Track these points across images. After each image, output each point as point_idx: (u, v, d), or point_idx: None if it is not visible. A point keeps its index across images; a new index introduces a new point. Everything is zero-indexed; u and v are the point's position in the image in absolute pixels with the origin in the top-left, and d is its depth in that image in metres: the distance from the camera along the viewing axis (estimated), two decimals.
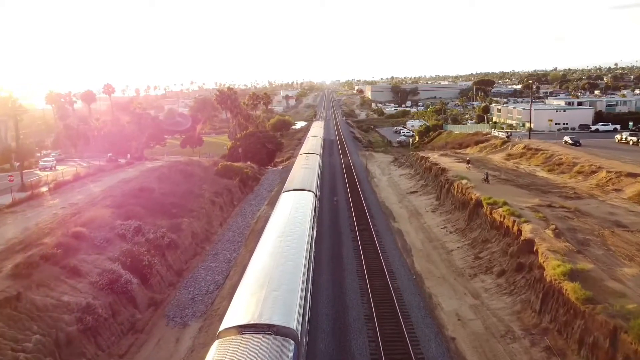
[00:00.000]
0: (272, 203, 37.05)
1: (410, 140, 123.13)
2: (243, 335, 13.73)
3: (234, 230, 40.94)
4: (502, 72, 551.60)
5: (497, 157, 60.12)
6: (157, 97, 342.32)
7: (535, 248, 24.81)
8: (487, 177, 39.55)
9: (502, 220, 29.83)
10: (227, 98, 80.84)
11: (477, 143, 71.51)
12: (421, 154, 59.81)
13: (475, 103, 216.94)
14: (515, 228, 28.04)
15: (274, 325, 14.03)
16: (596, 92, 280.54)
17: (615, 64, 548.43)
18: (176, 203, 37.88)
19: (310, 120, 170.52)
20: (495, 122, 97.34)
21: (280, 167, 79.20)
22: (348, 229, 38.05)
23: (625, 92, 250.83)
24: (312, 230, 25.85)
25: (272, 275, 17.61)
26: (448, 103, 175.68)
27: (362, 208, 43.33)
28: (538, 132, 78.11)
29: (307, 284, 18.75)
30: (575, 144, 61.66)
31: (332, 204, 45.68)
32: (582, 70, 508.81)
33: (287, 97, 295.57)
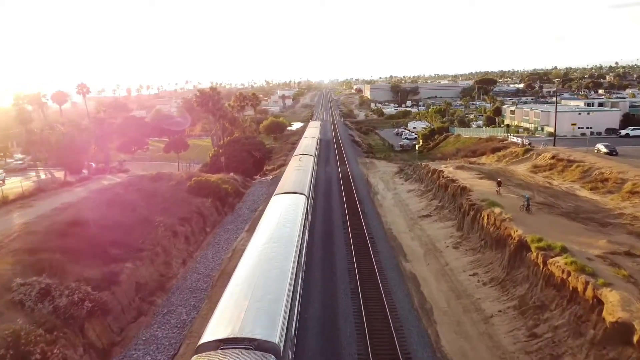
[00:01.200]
0: (255, 228, 28.62)
1: (414, 143, 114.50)
2: (222, 350, 13.20)
3: (201, 271, 31.99)
4: (502, 71, 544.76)
5: (521, 169, 51.23)
6: (149, 97, 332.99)
7: (636, 339, 15.95)
8: (527, 205, 30.46)
9: (564, 277, 20.93)
10: (209, 99, 71.74)
11: (493, 151, 62.60)
12: (432, 165, 50.83)
13: (478, 103, 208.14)
14: (590, 293, 19.15)
15: (255, 340, 13.48)
16: (600, 91, 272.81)
17: (616, 63, 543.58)
18: (120, 240, 28.88)
19: (307, 121, 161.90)
20: (508, 125, 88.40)
21: (269, 177, 70.29)
22: (346, 273, 29.04)
23: (631, 91, 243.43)
24: (303, 234, 24.88)
25: (256, 284, 16.98)
26: (451, 103, 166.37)
27: (364, 239, 34.41)
28: (560, 137, 69.28)
29: (294, 292, 17.96)
30: (611, 153, 52.83)
31: (326, 234, 36.71)
32: (583, 69, 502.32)
33: (283, 97, 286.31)
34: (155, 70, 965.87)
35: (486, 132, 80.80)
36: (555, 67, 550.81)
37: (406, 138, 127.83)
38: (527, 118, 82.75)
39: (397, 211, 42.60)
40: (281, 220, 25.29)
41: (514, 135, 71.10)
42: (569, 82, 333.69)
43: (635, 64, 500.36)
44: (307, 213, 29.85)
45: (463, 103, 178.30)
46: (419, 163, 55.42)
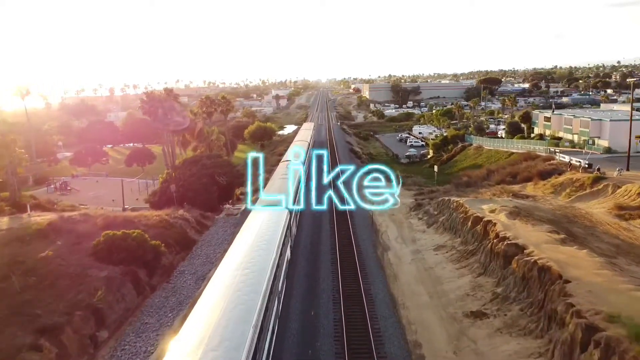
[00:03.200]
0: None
1: (423, 153, 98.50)
2: None
3: None
4: (502, 70, 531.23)
5: (599, 211, 34.90)
6: (136, 97, 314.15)
7: None
8: None
9: None
10: (159, 106, 54.91)
11: (542, 176, 46.32)
12: (469, 206, 34.15)
13: (483, 104, 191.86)
14: None
15: None
16: (608, 90, 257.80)
17: (618, 62, 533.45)
18: None
19: (301, 124, 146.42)
20: (541, 136, 72.09)
21: (242, 207, 53.94)
22: None
23: None
24: (280, 256, 21.66)
25: (215, 327, 14.14)
26: (462, 106, 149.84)
27: None
28: (620, 155, 53.11)
29: (261, 331, 15.33)
30: None
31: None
32: (588, 68, 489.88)
33: (277, 97, 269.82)
34: (146, 69, 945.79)
35: (518, 145, 64.25)
36: (556, 66, 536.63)
37: (412, 146, 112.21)
38: (570, 127, 66.36)
39: (425, 295, 26.07)
40: (256, 241, 21.94)
41: (559, 152, 54.66)
42: (575, 81, 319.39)
43: (639, 63, 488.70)
44: (289, 228, 27.60)
45: (472, 105, 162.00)
46: (446, 198, 38.90)
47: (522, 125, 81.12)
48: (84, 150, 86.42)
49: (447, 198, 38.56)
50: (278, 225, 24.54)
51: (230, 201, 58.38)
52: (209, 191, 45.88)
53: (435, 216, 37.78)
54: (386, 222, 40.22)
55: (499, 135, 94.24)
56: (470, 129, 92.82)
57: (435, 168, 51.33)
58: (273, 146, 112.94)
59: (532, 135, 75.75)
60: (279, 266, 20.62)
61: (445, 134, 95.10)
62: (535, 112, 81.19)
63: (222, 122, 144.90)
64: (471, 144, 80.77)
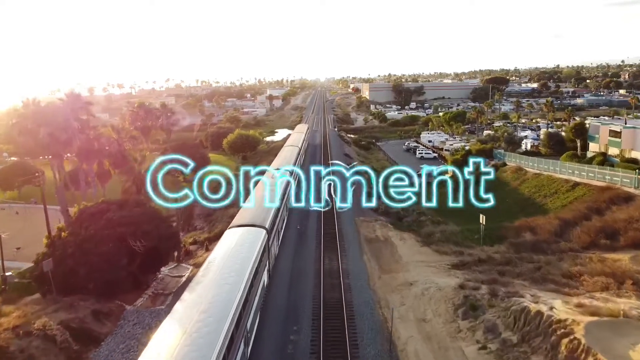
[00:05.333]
0: None
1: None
2: None
3: None
4: (503, 69, 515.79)
5: None
6: (122, 97, 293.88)
7: None
8: None
9: None
10: (42, 122, 35.69)
11: None
12: (604, 358, 16.22)
13: (498, 105, 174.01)
14: None
15: None
16: (621, 91, 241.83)
17: (622, 61, 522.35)
18: None
19: (294, 128, 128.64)
20: (604, 155, 53.84)
21: (187, 273, 35.52)
22: None
23: None
24: (251, 287, 18.97)
25: None
26: (483, 111, 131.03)
27: None
28: None
29: None
30: None
31: None
32: (593, 67, 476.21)
33: (270, 97, 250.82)
34: (137, 68, 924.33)
35: (583, 172, 45.48)
36: (558, 65, 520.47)
37: (422, 157, 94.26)
38: None
39: None
40: (223, 270, 19.03)
41: None
42: (583, 81, 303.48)
43: None
44: (267, 250, 25.14)
45: (486, 107, 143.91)
46: (532, 309, 20.57)
47: (577, 139, 61.50)
48: (8, 167, 67.93)
49: (533, 309, 20.25)
50: (252, 249, 21.96)
51: (177, 256, 39.67)
52: (116, 264, 27.58)
53: (513, 347, 19.43)
54: (415, 341, 21.85)
55: (523, 147, 76.56)
56: (499, 142, 74.42)
57: (482, 219, 33.08)
58: (257, 158, 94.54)
59: (589, 154, 57.34)
60: (247, 301, 17.76)
61: (467, 147, 76.74)
62: (595, 122, 62.16)
63: (203, 127, 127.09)
64: (505, 163, 62.48)
